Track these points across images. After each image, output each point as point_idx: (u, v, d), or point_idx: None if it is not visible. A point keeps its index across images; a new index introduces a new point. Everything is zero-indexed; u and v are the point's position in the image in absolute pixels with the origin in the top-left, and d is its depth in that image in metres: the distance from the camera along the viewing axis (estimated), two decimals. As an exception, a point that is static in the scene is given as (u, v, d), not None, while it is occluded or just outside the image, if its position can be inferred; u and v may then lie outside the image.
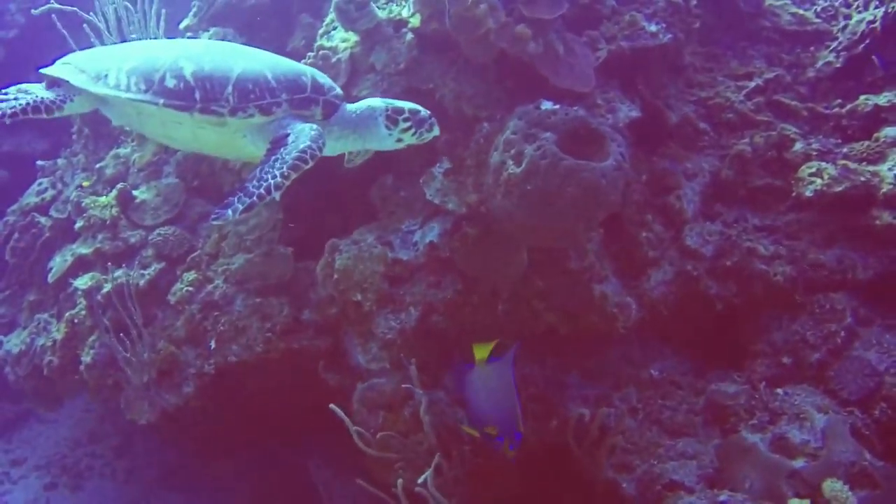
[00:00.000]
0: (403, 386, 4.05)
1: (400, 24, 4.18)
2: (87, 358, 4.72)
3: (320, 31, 4.50)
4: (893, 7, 4.62)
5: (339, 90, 3.48)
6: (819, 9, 5.43)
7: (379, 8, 4.20)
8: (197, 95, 3.18)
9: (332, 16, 4.41)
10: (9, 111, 3.29)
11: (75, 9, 4.91)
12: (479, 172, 4.06)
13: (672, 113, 4.79)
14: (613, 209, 3.75)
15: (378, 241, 4.34)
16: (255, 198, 2.95)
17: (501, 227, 4.00)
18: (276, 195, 2.99)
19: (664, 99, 4.84)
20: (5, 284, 6.01)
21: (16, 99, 3.35)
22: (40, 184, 5.85)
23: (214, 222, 3.02)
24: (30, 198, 5.78)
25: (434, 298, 4.29)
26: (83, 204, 5.02)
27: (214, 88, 3.18)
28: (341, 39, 4.29)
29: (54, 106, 3.40)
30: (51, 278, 5.12)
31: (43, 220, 5.55)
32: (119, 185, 4.95)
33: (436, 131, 3.52)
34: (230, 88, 3.18)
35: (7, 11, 7.12)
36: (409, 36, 4.10)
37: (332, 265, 4.36)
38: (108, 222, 4.90)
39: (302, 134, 3.16)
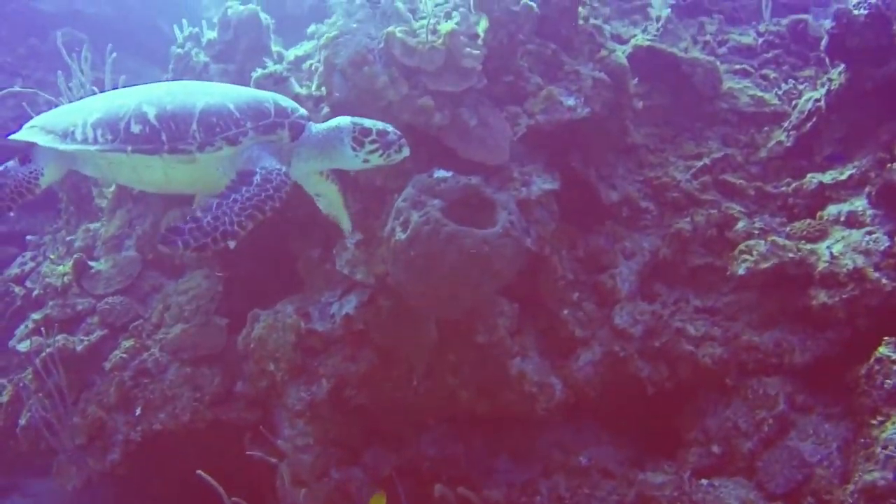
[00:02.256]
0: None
1: (320, 99, 4.30)
2: (22, 420, 4.80)
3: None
4: (836, 85, 4.48)
5: (303, 111, 3.45)
6: (781, 91, 5.32)
7: (303, 86, 4.34)
8: (163, 137, 3.21)
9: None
10: None
11: (35, 90, 5.26)
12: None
13: (613, 191, 4.71)
14: (504, 277, 3.65)
15: (296, 311, 4.33)
16: (209, 240, 2.91)
17: (405, 297, 3.94)
18: (231, 244, 2.95)
19: (608, 178, 4.77)
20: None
21: None
22: (23, 256, 6.14)
23: (162, 249, 3.02)
24: (13, 269, 6.07)
25: (347, 371, 4.22)
26: (42, 272, 5.23)
27: (179, 127, 3.21)
28: (268, 114, 4.43)
29: (28, 188, 3.49)
30: (11, 344, 5.29)
31: (17, 289, 5.79)
32: (75, 255, 5.14)
33: (405, 152, 3.40)
34: (195, 125, 3.20)
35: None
36: (326, 109, 4.20)
37: (251, 335, 4.37)
38: (59, 289, 5.07)
39: (269, 179, 3.10)
